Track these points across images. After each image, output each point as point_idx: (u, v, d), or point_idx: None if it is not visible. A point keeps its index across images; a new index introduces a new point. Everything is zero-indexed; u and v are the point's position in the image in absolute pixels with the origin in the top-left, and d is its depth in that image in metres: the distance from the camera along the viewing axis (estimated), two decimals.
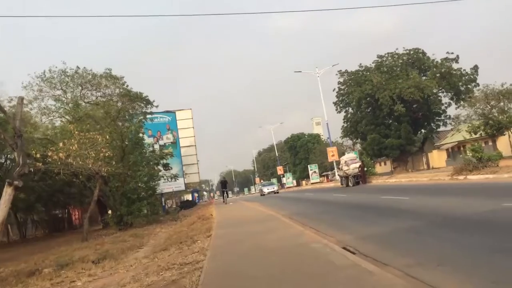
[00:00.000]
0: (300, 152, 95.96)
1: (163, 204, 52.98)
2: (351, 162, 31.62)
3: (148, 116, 48.55)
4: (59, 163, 19.14)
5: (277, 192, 52.07)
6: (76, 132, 19.66)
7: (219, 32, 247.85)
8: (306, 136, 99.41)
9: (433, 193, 16.20)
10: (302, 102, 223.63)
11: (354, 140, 69.01)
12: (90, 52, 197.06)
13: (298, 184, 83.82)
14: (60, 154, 18.10)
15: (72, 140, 19.46)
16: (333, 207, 16.73)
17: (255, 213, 17.77)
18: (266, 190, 54.05)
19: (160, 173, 33.63)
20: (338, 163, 57.08)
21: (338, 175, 36.53)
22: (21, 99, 11.33)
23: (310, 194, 29.62)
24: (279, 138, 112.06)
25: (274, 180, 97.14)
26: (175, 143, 52.15)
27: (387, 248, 7.17)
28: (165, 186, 47.52)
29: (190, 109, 57.29)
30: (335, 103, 66.44)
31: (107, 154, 19.46)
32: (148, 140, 47.13)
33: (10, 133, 22.12)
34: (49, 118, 25.51)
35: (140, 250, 13.26)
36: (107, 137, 20.21)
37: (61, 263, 11.28)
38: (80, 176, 21.03)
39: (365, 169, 32.65)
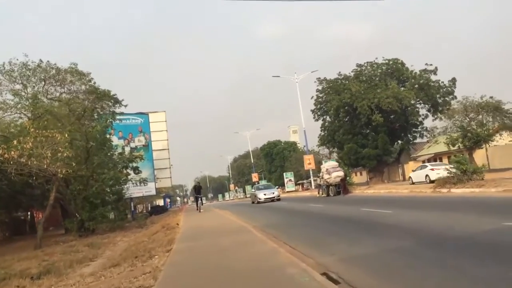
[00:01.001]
0: (276, 159, 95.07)
1: (133, 209, 50.99)
2: (332, 170, 30.03)
3: (119, 117, 46.97)
4: (11, 162, 17.40)
5: (279, 199, 34.62)
6: (32, 129, 17.94)
7: (198, 33, 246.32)
8: (282, 144, 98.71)
9: (417, 206, 15.08)
10: (280, 109, 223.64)
11: (331, 149, 68.33)
12: (58, 47, 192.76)
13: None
14: (12, 153, 16.35)
15: (27, 138, 17.72)
16: (310, 219, 15.46)
17: (225, 223, 16.39)
18: (262, 196, 35.03)
19: (130, 177, 31.89)
20: (315, 171, 56.38)
21: (318, 184, 34.82)
22: None
23: (284, 203, 28.34)
24: (256, 144, 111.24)
25: (249, 188, 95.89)
26: (147, 146, 50.32)
27: (376, 275, 5.91)
28: (134, 191, 45.62)
29: (164, 111, 55.60)
30: (313, 111, 65.60)
31: (65, 154, 17.71)
32: (118, 142, 45.35)
33: None
34: (7, 114, 23.52)
35: (91, 263, 11.71)
36: (66, 135, 18.43)
37: None
38: (35, 178, 19.20)
39: (347, 178, 31.35)
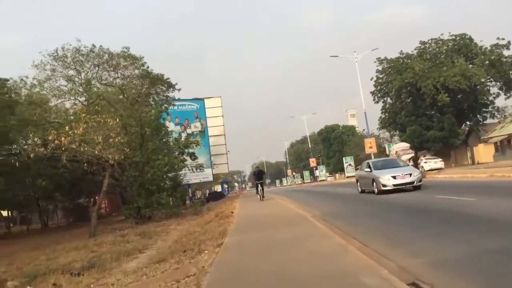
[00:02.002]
0: (334, 144, 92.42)
1: (191, 195, 51.01)
2: (402, 153, 27.50)
3: (175, 102, 46.84)
4: (63, 149, 16.96)
5: (419, 185, 17.96)
6: (83, 115, 17.42)
7: (251, 18, 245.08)
8: (340, 128, 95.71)
9: (504, 193, 13.03)
10: (337, 93, 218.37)
11: (392, 132, 65.31)
12: (114, 33, 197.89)
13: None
14: (62, 139, 15.85)
15: (80, 124, 17.21)
16: (377, 208, 13.80)
17: (282, 211, 15.04)
18: (390, 179, 17.71)
19: (186, 163, 31.32)
20: (377, 155, 53.84)
21: None
22: None
23: (346, 189, 26.59)
24: (312, 129, 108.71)
25: (307, 173, 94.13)
26: (203, 132, 49.96)
27: None
28: (192, 177, 45.50)
29: (220, 97, 55.00)
30: (372, 93, 62.81)
31: (116, 140, 17.05)
32: (174, 128, 45.20)
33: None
34: (61, 100, 23.43)
35: (139, 255, 10.81)
36: (118, 120, 17.77)
37: (34, 274, 8.93)
38: (86, 164, 18.75)
39: (418, 161, 28.58)
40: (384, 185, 17.42)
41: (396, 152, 27.10)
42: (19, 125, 21.31)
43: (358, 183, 20.94)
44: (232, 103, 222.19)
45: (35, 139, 16.10)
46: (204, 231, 12.24)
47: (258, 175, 25.79)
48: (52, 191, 37.51)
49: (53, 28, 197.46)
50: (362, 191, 19.97)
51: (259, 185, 25.52)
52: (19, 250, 18.11)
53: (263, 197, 24.47)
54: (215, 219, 15.09)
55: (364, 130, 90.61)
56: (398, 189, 17.11)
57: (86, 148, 16.78)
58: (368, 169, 19.35)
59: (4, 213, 51.44)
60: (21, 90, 26.47)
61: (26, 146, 28.45)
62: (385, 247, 6.94)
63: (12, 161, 32.29)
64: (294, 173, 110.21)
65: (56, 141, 16.14)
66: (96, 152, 16.78)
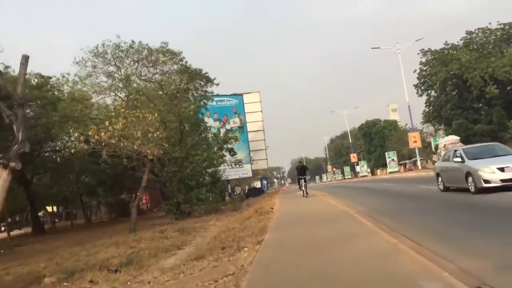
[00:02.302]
0: (375, 139, 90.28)
1: (230, 191, 50.97)
2: (451, 146, 26.05)
3: (214, 98, 46.79)
4: (103, 144, 17.01)
5: None
6: (122, 110, 17.41)
7: (293, 11, 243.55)
8: (382, 122, 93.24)
9: None
10: (377, 88, 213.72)
11: (437, 126, 63.07)
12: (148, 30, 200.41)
13: (373, 173, 78.56)
14: (102, 134, 15.85)
15: (119, 119, 17.20)
16: (426, 204, 12.98)
17: (323, 207, 14.48)
18: (495, 172, 12.42)
19: (225, 159, 31.13)
20: (421, 150, 52.06)
21: (434, 161, 30.37)
22: (24, 58, 8.78)
23: (389, 185, 25.66)
24: (352, 124, 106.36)
25: (347, 169, 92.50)
26: (242, 128, 49.76)
27: None
28: (231, 173, 45.37)
29: (258, 92, 54.58)
30: (416, 86, 60.98)
31: (155, 135, 16.94)
32: (214, 123, 45.19)
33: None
34: (101, 96, 23.69)
35: (177, 252, 10.55)
36: (156, 115, 17.66)
37: (72, 270, 8.78)
38: (125, 159, 18.78)
39: None
40: (487, 181, 12.42)
41: (445, 146, 25.51)
42: (61, 121, 21.72)
43: (440, 178, 15.83)
44: (272, 98, 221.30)
45: (76, 135, 16.09)
46: (244, 227, 11.85)
47: (301, 170, 23.87)
48: (95, 186, 38.33)
49: (97, 27, 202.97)
50: (446, 189, 15.25)
51: (302, 180, 23.32)
52: (62, 245, 18.40)
53: (306, 193, 22.39)
54: (254, 215, 14.68)
55: (406, 124, 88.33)
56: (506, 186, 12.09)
57: (125, 144, 16.74)
58: (459, 159, 14.23)
59: (49, 209, 53.22)
60: (63, 87, 27.01)
61: (69, 143, 29.10)
62: (440, 246, 6.26)
63: (55, 157, 33.25)
64: (334, 169, 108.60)
65: (96, 137, 16.17)
66: (135, 147, 16.73)
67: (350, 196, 21.19)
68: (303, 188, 22.73)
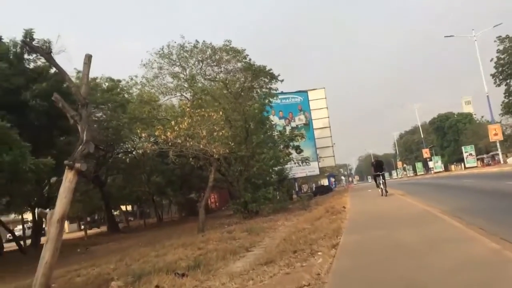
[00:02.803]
0: (448, 133, 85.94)
1: (297, 189, 50.27)
2: None
3: (279, 96, 46.25)
4: (169, 144, 16.98)
5: None
6: (188, 109, 17.30)
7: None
8: (455, 116, 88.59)
9: None
10: (450, 80, 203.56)
11: None
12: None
13: (447, 169, 74.48)
14: (168, 133, 15.79)
15: (185, 118, 17.12)
16: None
17: (401, 206, 13.43)
18: None
19: (291, 156, 30.52)
20: (501, 143, 48.48)
21: None
22: (88, 57, 8.66)
23: (470, 181, 23.81)
24: (422, 119, 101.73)
25: (419, 165, 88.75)
26: (307, 125, 48.84)
27: None
28: (298, 171, 44.61)
29: (323, 88, 53.37)
30: (493, 75, 56.91)
31: (221, 133, 16.65)
32: (279, 121, 44.66)
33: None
34: (168, 96, 23.87)
35: (246, 254, 10.08)
36: (221, 113, 17.38)
37: (139, 273, 8.57)
38: (191, 159, 18.68)
39: None
40: None
41: None
42: (129, 122, 22.11)
43: None
44: (337, 95, 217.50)
45: (144, 135, 16.14)
46: (315, 228, 11.17)
47: (377, 166, 21.03)
48: (164, 186, 39.10)
49: (160, 31, 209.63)
50: None
51: (380, 177, 20.43)
52: (134, 245, 18.66)
53: (386, 191, 19.41)
54: (325, 215, 13.93)
55: (483, 117, 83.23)
56: None
57: (191, 143, 16.60)
58: None
59: (124, 208, 55.31)
60: (132, 89, 27.62)
61: (139, 144, 29.80)
62: None
63: (125, 158, 34.33)
64: (405, 165, 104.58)
65: (163, 136, 16.15)
66: (201, 146, 16.53)
67: (428, 194, 19.79)
68: (381, 186, 19.91)
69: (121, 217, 61.45)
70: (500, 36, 53.94)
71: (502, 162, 41.73)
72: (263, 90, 26.34)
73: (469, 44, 43.55)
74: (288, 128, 40.41)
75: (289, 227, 14.15)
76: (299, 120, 48.94)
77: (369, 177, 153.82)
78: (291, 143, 29.62)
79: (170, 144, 17.05)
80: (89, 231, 36.57)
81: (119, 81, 29.08)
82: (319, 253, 7.34)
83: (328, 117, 52.72)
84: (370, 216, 11.80)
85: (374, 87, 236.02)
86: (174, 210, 53.19)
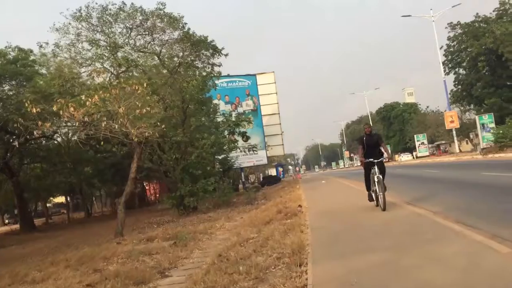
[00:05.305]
0: (394, 123, 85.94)
1: (243, 180, 47.04)
2: None
3: (225, 79, 42.61)
4: (77, 123, 13.06)
5: None
6: (98, 74, 13.41)
7: None
8: (401, 106, 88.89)
9: None
10: (393, 71, 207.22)
11: (466, 107, 58.15)
12: None
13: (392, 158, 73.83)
14: (72, 109, 11.85)
15: (95, 91, 13.21)
16: None
17: (370, 202, 10.25)
18: None
19: (238, 144, 27.15)
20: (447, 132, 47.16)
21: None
22: None
23: (435, 172, 21.32)
24: (370, 109, 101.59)
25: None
26: (255, 111, 45.62)
27: None
28: (245, 160, 41.43)
29: (273, 72, 50.21)
30: (442, 63, 55.90)
31: (144, 111, 12.88)
32: (225, 107, 41.08)
33: None
34: (83, 68, 19.47)
35: (157, 286, 6.57)
36: (145, 85, 13.56)
37: None
38: (104, 143, 14.80)
39: None
40: None
41: None
42: (35, 98, 17.55)
43: None
44: (283, 83, 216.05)
45: (36, 111, 11.99)
46: (264, 239, 7.81)
47: (371, 142, 9.86)
48: (91, 176, 34.53)
49: None
50: None
51: (375, 167, 9.50)
52: (35, 252, 14.84)
53: (383, 200, 9.28)
54: (277, 217, 10.54)
55: (428, 107, 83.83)
56: None
57: (104, 123, 12.73)
58: None
59: (60, 200, 49.97)
60: (48, 62, 23.00)
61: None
62: None
63: (45, 144, 29.60)
64: (352, 155, 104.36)
65: (66, 114, 12.18)
66: (116, 126, 12.67)
67: (399, 188, 16.27)
68: (376, 186, 9.50)
69: (53, 210, 56.00)
70: (451, 23, 52.99)
71: (458, 150, 40.24)
72: (204, 65, 22.52)
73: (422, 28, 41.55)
74: (234, 114, 36.93)
75: (230, 232, 10.72)
76: (247, 105, 45.64)
77: (316, 166, 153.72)
78: (237, 129, 26.22)
79: (78, 123, 13.16)
80: (1, 228, 31.57)
81: (31, 51, 24.38)
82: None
83: (278, 103, 49.72)
84: (343, 222, 8.45)
85: (320, 79, 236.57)
86: (108, 203, 48.58)
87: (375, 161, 9.42)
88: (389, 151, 11.54)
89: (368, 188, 9.91)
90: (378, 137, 10.09)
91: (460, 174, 17.48)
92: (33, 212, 53.24)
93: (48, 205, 55.92)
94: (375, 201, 9.81)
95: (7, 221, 51.12)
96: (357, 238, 6.52)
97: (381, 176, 9.27)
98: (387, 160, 10.07)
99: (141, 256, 8.69)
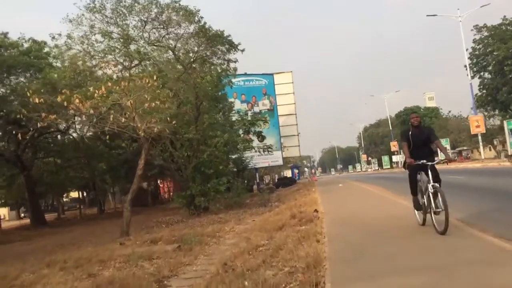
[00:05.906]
0: None
1: (257, 181, 46.20)
2: None
3: (242, 78, 41.78)
4: (83, 117, 12.45)
5: None
6: (110, 72, 12.78)
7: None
8: (422, 110, 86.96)
9: None
10: (414, 76, 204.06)
11: (490, 112, 56.32)
12: None
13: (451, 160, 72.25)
14: (77, 101, 11.22)
15: (104, 84, 12.59)
16: None
17: (400, 212, 9.38)
18: None
19: (253, 144, 26.39)
20: (469, 138, 45.53)
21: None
22: None
23: (460, 178, 20.16)
24: (386, 114, 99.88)
25: (385, 158, 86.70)
26: (272, 110, 44.72)
27: None
28: (260, 160, 40.52)
29: (291, 71, 49.28)
30: (470, 66, 54.27)
31: (153, 105, 12.19)
32: (241, 106, 40.27)
33: None
34: (96, 60, 18.86)
35: None
36: (155, 77, 12.88)
37: None
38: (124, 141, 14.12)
39: None
40: None
41: None
42: (48, 91, 17.02)
43: None
44: (303, 84, 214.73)
45: (39, 101, 11.39)
46: (275, 247, 7.02)
47: (420, 139, 7.16)
48: (104, 173, 34.06)
49: None
50: None
51: (428, 171, 6.75)
52: (42, 248, 14.38)
53: (447, 218, 6.23)
54: (290, 222, 9.72)
55: (450, 112, 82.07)
56: None
57: (111, 117, 12.07)
58: None
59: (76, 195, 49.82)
60: (63, 54, 22.52)
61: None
62: None
63: (60, 138, 29.18)
64: (370, 158, 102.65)
65: (72, 106, 11.56)
66: (123, 120, 12.00)
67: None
68: (429, 199, 6.69)
69: (70, 205, 55.95)
70: (477, 25, 51.37)
71: (483, 157, 38.62)
72: (220, 61, 21.75)
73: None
74: (250, 113, 36.13)
75: (239, 237, 9.95)
76: (263, 105, 44.78)
77: (332, 169, 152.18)
78: (252, 129, 25.49)
79: (84, 116, 12.55)
80: (15, 222, 31.35)
81: (45, 43, 23.94)
82: None
83: (295, 103, 48.78)
84: (367, 232, 7.41)
85: (339, 81, 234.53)
86: (113, 200, 48.24)
87: (429, 163, 6.76)
88: (449, 152, 9.20)
89: (415, 192, 7.37)
90: (430, 132, 7.33)
91: (493, 182, 16.37)
92: (49, 206, 53.45)
93: (65, 200, 55.99)
94: (419, 219, 7.40)
95: (22, 214, 51.12)
96: (386, 255, 5.58)
97: (437, 185, 6.56)
98: (446, 162, 7.56)
99: (141, 260, 7.96)
